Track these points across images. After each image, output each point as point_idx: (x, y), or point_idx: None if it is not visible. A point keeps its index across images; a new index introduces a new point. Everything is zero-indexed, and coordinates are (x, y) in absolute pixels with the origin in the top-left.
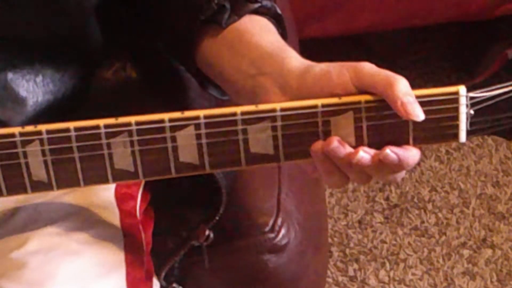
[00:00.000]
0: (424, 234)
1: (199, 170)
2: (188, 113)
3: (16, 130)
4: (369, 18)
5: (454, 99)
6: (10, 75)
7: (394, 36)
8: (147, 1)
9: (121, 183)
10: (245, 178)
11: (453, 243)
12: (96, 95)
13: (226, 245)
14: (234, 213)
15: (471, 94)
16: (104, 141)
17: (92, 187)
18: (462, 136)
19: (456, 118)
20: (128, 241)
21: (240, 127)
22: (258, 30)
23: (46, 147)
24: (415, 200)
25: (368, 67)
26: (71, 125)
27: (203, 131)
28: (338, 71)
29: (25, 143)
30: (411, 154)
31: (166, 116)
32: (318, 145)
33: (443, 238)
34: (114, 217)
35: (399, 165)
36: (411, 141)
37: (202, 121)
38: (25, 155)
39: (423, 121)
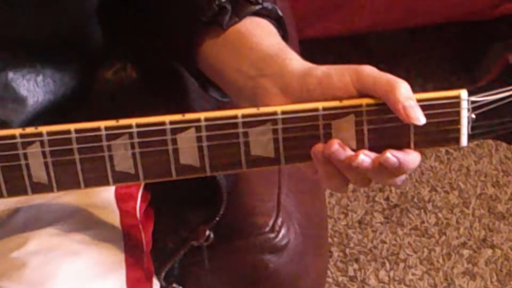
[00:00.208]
0: (424, 234)
1: (200, 172)
2: (189, 116)
3: (16, 131)
4: (369, 18)
5: (455, 103)
6: (10, 75)
7: (394, 36)
8: (148, 2)
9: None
10: (245, 179)
11: (453, 243)
12: (96, 95)
13: (226, 245)
14: (234, 213)
15: (473, 98)
16: (104, 143)
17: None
18: (463, 140)
19: (458, 122)
20: (128, 241)
21: (241, 129)
22: (259, 32)
23: (47, 148)
24: (415, 200)
25: (369, 70)
26: (72, 126)
27: (204, 133)
28: (339, 74)
29: (25, 145)
30: (411, 157)
31: (167, 118)
32: (318, 147)
33: (443, 238)
34: (114, 217)
35: (399, 169)
36: (412, 144)
37: (203, 123)
38: (25, 156)
39: (424, 125)
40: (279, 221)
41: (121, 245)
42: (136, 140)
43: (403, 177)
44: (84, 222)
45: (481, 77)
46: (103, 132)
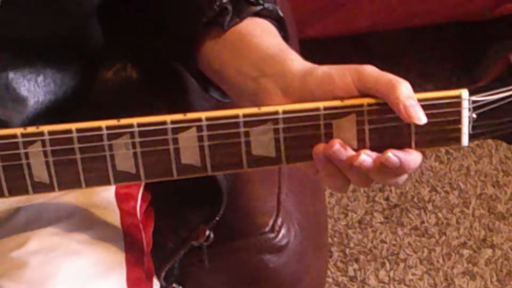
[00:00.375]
0: (424, 234)
1: (201, 172)
2: (190, 115)
3: (18, 131)
4: (369, 18)
5: (456, 103)
6: (11, 75)
7: (394, 36)
8: (149, 2)
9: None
10: (245, 179)
11: (453, 243)
12: (96, 95)
13: (226, 245)
14: (234, 213)
15: (474, 98)
16: (106, 142)
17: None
18: (464, 140)
19: (459, 121)
20: (128, 241)
21: (242, 129)
22: (260, 33)
23: (48, 148)
24: (415, 200)
25: (370, 70)
26: (73, 126)
27: (205, 133)
28: (340, 74)
29: (27, 144)
30: (412, 157)
31: (168, 118)
32: (320, 147)
33: (443, 238)
34: (114, 217)
35: (400, 169)
36: (413, 144)
37: (204, 123)
38: (27, 156)
39: (425, 125)
40: (279, 221)
41: (121, 244)
42: (137, 139)
43: (404, 177)
44: (84, 222)
45: (481, 77)
46: (104, 132)
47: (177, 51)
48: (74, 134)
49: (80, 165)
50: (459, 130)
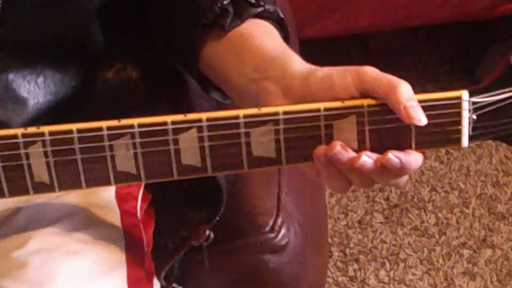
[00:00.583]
0: (424, 234)
1: (201, 173)
2: (191, 116)
3: (18, 131)
4: (369, 18)
5: (456, 104)
6: (11, 76)
7: (394, 36)
8: (149, 4)
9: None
10: (245, 178)
11: (453, 243)
12: (97, 96)
13: (226, 245)
14: (234, 213)
15: (474, 99)
16: (106, 143)
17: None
18: (465, 141)
19: (459, 123)
20: (129, 241)
21: (242, 130)
22: (261, 34)
23: (49, 148)
24: (415, 200)
25: (370, 71)
26: (74, 126)
27: (205, 133)
28: (341, 75)
29: (27, 145)
30: (413, 158)
31: (168, 118)
32: (320, 149)
33: (443, 238)
34: (114, 217)
35: (401, 170)
36: (413, 145)
37: (205, 123)
38: (27, 156)
39: (426, 126)
40: (279, 221)
41: (122, 244)
42: (138, 140)
43: (405, 178)
44: (85, 222)
45: (481, 77)
46: (105, 132)
47: (177, 53)
48: (75, 135)
49: (80, 166)
50: (459, 131)
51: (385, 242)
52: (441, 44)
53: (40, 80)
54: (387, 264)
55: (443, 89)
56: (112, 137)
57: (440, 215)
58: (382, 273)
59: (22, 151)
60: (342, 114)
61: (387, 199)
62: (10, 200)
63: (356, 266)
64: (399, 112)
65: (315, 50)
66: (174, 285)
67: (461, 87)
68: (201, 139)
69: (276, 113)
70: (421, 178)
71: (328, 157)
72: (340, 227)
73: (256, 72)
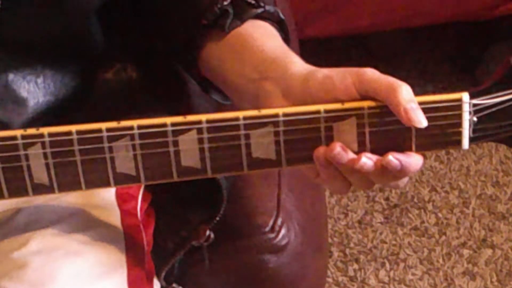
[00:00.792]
0: (424, 234)
1: (201, 174)
2: (191, 117)
3: (18, 132)
4: (369, 18)
5: (457, 106)
6: (11, 76)
7: (394, 36)
8: (149, 4)
9: None
10: (246, 179)
11: (453, 243)
12: (97, 96)
13: (226, 245)
14: (235, 213)
15: (474, 101)
16: (106, 144)
17: None
18: (465, 143)
19: (459, 125)
20: (129, 241)
21: (242, 132)
22: (261, 35)
23: (48, 150)
24: (415, 200)
25: (371, 73)
26: (73, 128)
27: (205, 135)
28: (341, 77)
29: (27, 146)
30: (413, 160)
31: (168, 120)
32: (320, 150)
33: (443, 238)
34: (115, 217)
35: (401, 171)
36: (413, 147)
37: (205, 125)
38: (27, 157)
39: (426, 128)
40: (279, 221)
41: (122, 245)
42: (137, 141)
43: (405, 179)
44: (85, 222)
45: (481, 77)
46: (105, 134)
47: (177, 53)
48: (74, 136)
49: (80, 167)
50: (459, 133)
51: (385, 242)
52: (441, 44)
53: (40, 80)
54: (387, 264)
55: (443, 89)
56: (111, 139)
57: (440, 215)
58: (382, 273)
59: (21, 152)
60: (342, 116)
61: (387, 199)
62: (10, 201)
63: (356, 266)
64: (399, 114)
65: (315, 50)
66: (174, 285)
67: (461, 87)
68: (200, 140)
69: (276, 115)
70: (421, 178)
71: (328, 159)
72: (340, 227)
73: (256, 73)
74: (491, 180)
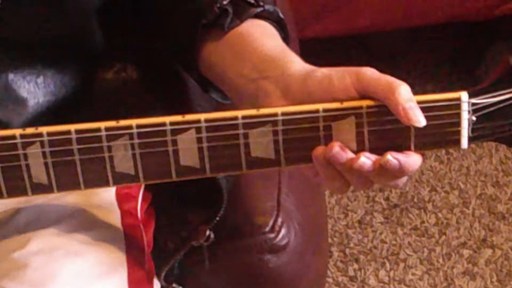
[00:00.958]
0: (424, 234)
1: (200, 174)
2: (189, 117)
3: (17, 132)
4: (369, 18)
5: (456, 105)
6: (11, 76)
7: (394, 36)
8: (149, 4)
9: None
10: (246, 179)
11: (453, 243)
12: (97, 96)
13: (226, 245)
14: (234, 213)
15: (473, 100)
16: (105, 143)
17: None
18: (464, 142)
19: (458, 124)
20: (129, 241)
21: (241, 131)
22: (260, 34)
23: (47, 149)
24: (415, 200)
25: (369, 72)
26: (72, 127)
27: (204, 134)
28: (339, 76)
29: (26, 145)
30: (412, 159)
31: (167, 119)
32: (319, 150)
33: (443, 238)
34: (115, 217)
35: (400, 171)
36: (412, 146)
37: (203, 124)
38: (25, 157)
39: (425, 127)
40: (279, 221)
41: (122, 245)
42: (136, 141)
43: (404, 179)
44: (85, 222)
45: (481, 77)
46: (103, 133)
47: (177, 53)
48: (73, 135)
49: (79, 166)
50: (458, 133)
51: (385, 242)
52: (441, 44)
53: (40, 80)
54: (387, 264)
55: (443, 89)
56: (110, 138)
57: (440, 215)
58: (382, 273)
59: (20, 151)
60: (341, 115)
61: (387, 199)
62: (11, 201)
63: (356, 266)
64: (398, 113)
65: (315, 50)
66: (174, 285)
67: (461, 87)
68: (199, 140)
69: (275, 114)
70: (421, 178)
71: (327, 158)
72: (340, 227)
73: (255, 72)
74: (491, 180)
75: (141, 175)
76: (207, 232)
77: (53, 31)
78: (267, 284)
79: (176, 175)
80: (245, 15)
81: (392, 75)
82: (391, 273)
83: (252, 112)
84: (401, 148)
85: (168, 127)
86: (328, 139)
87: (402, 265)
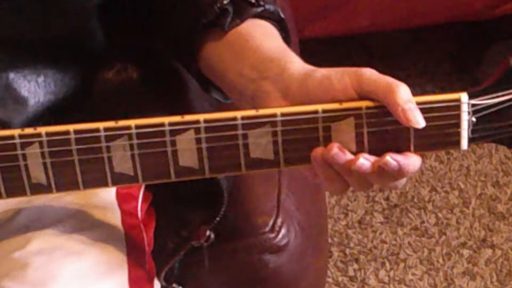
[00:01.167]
0: (424, 234)
1: (199, 174)
2: (188, 117)
3: (15, 132)
4: (369, 18)
5: (455, 106)
6: (11, 75)
7: (394, 36)
8: (149, 4)
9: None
10: (246, 179)
11: (453, 243)
12: (97, 95)
13: (226, 245)
14: (235, 213)
15: (473, 101)
16: (103, 144)
17: None
18: (464, 144)
19: (458, 125)
20: (129, 241)
21: (240, 131)
22: (260, 34)
23: (46, 149)
24: (415, 200)
25: (369, 73)
26: (71, 127)
27: (203, 135)
28: (339, 76)
29: (24, 145)
30: (411, 161)
31: (166, 120)
32: (318, 151)
33: (443, 238)
34: (115, 217)
35: (399, 172)
36: (412, 148)
37: (202, 125)
38: (24, 157)
39: (425, 128)
40: (279, 221)
41: (123, 245)
42: (135, 141)
43: (403, 180)
44: (85, 223)
45: (481, 77)
46: (102, 133)
47: (178, 52)
48: (72, 136)
49: (77, 167)
50: (458, 134)
51: (385, 242)
52: (441, 44)
53: (41, 79)
54: (387, 264)
55: (443, 89)
56: (109, 138)
57: (440, 215)
58: (382, 273)
59: (19, 152)
60: (340, 116)
61: (387, 199)
62: (11, 201)
63: (356, 266)
64: (397, 114)
65: (315, 50)
66: (174, 285)
67: (461, 87)
68: (198, 140)
69: (274, 115)
70: (421, 178)
71: (325, 159)
72: (340, 227)
73: (255, 73)
74: (491, 180)
75: (140, 175)
76: (207, 233)
77: (53, 30)
78: (267, 284)
79: (175, 175)
80: (246, 15)
81: (392, 75)
82: (391, 273)
83: (251, 112)
84: (400, 149)
85: (167, 128)
86: (328, 140)
87: (402, 265)
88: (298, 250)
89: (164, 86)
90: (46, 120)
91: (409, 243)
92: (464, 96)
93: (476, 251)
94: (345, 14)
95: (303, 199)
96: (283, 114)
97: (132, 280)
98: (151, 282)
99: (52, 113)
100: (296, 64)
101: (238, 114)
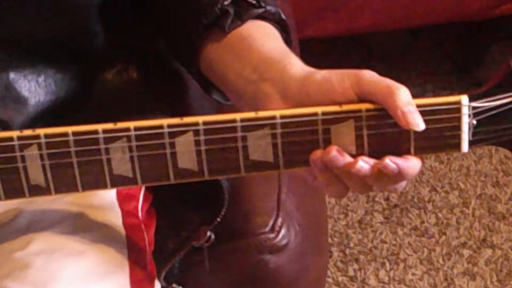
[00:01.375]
0: (424, 234)
1: (198, 176)
2: (187, 119)
3: (14, 133)
4: (369, 18)
5: (456, 109)
6: (12, 75)
7: (394, 36)
8: (150, 4)
9: None
10: (246, 179)
11: (453, 243)
12: (98, 96)
13: (226, 246)
14: (235, 214)
15: (474, 104)
16: (102, 146)
17: None
18: (464, 146)
19: (458, 128)
20: (130, 241)
21: (239, 134)
22: (261, 36)
23: (44, 151)
24: (415, 200)
25: (369, 75)
26: (70, 129)
27: (202, 137)
28: (339, 79)
29: (23, 147)
30: (411, 164)
31: (165, 122)
32: (317, 154)
33: (443, 238)
34: (116, 217)
35: (399, 175)
36: (412, 150)
37: (201, 127)
38: (23, 159)
39: (425, 131)
40: (279, 221)
41: (124, 245)
42: (134, 143)
43: (403, 183)
44: (86, 223)
45: (481, 77)
46: (101, 135)
47: (178, 53)
48: (71, 138)
49: (76, 169)
50: (459, 137)
51: (385, 242)
52: (441, 44)
53: (41, 79)
54: (387, 264)
55: (443, 89)
56: (108, 140)
57: (440, 215)
58: (382, 273)
59: (17, 153)
60: (340, 119)
61: (387, 199)
62: (12, 202)
63: (356, 266)
64: (397, 117)
65: (315, 50)
66: (174, 285)
67: (461, 87)
68: (197, 142)
69: (273, 117)
70: (421, 178)
71: (324, 162)
72: (340, 227)
73: (255, 74)
74: (491, 180)
75: (139, 177)
76: (208, 233)
77: (53, 30)
78: (267, 284)
79: (174, 178)
80: (246, 16)
81: (392, 75)
82: (391, 273)
83: (251, 115)
84: (400, 151)
85: (166, 130)
86: (327, 142)
87: (402, 265)
88: (298, 250)
89: (164, 86)
90: (46, 120)
91: (409, 243)
92: (464, 99)
93: (476, 251)
94: (345, 14)
95: (303, 199)
96: (282, 116)
97: (133, 280)
98: (152, 282)
99: (52, 113)
100: (296, 66)
101: (238, 116)
